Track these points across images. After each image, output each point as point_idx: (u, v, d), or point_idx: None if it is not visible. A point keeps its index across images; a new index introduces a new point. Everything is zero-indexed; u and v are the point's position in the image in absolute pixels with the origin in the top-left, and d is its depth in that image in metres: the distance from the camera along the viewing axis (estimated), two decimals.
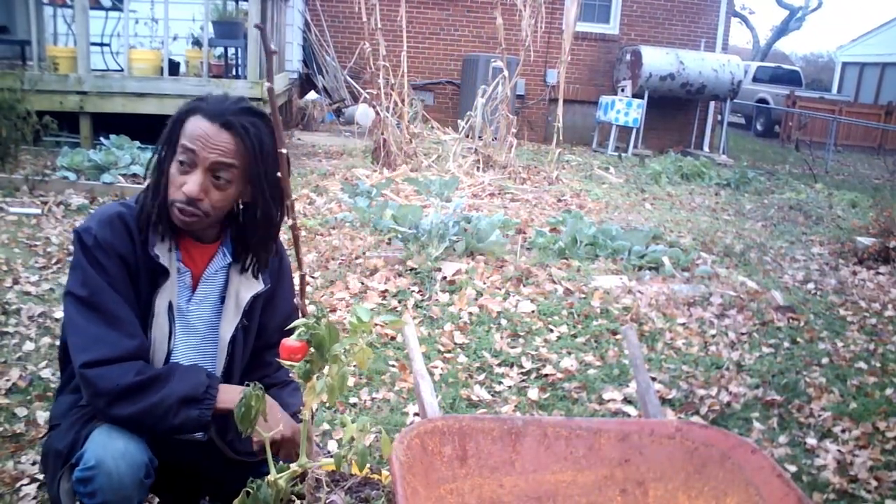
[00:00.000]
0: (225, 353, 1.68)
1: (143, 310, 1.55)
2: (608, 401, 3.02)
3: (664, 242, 5.35)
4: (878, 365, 3.53)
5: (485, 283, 4.12)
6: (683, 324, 3.86)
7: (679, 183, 8.77)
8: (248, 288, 1.66)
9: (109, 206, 1.59)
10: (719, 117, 12.38)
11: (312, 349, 1.39)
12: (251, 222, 1.61)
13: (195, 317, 1.65)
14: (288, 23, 9.23)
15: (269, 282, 1.70)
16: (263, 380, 1.57)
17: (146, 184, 1.57)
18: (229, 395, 1.51)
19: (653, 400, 1.78)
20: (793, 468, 2.60)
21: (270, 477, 1.47)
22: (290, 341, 1.37)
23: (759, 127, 17.62)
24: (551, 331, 3.67)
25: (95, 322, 1.48)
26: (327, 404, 2.53)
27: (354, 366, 1.39)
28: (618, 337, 3.62)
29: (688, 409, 2.98)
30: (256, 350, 1.74)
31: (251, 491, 1.42)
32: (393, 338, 3.40)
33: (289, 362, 1.37)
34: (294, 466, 1.50)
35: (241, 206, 1.62)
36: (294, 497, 1.50)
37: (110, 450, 1.46)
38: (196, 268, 1.64)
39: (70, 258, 4.13)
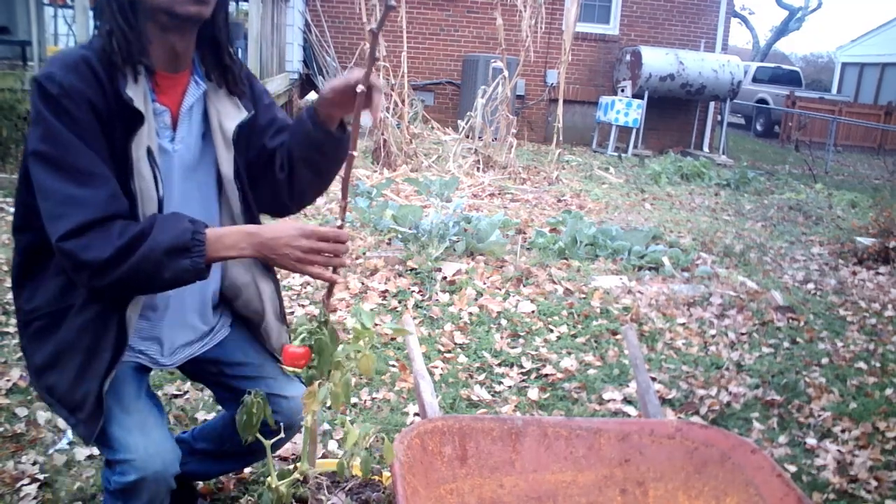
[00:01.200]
0: (237, 192, 1.58)
1: (119, 162, 1.38)
2: (608, 401, 3.02)
3: (664, 242, 5.36)
4: (878, 365, 3.53)
5: (485, 284, 4.13)
6: (683, 324, 3.86)
7: (679, 183, 8.78)
8: (230, 117, 1.54)
9: (70, 50, 1.40)
10: (719, 118, 12.39)
11: (315, 355, 1.39)
12: (223, 24, 1.50)
13: (183, 158, 1.52)
14: (288, 23, 9.23)
15: (250, 108, 1.58)
16: (280, 136, 1.60)
17: (100, 24, 1.39)
18: (222, 242, 1.37)
19: (653, 400, 1.78)
20: (793, 468, 2.60)
21: (271, 482, 1.48)
22: (293, 347, 1.37)
23: (758, 127, 17.62)
24: (551, 331, 3.67)
25: (67, 183, 1.31)
26: (328, 414, 2.55)
27: (356, 372, 1.40)
28: (618, 337, 3.62)
29: (688, 409, 2.98)
30: (256, 151, 1.62)
31: (253, 498, 1.42)
32: (393, 338, 3.40)
33: (291, 368, 1.37)
34: (295, 473, 1.51)
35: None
36: (294, 501, 1.50)
37: (151, 450, 1.43)
38: (173, 104, 1.48)
39: None
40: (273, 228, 1.40)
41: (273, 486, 1.47)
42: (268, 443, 1.56)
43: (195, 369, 1.72)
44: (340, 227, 1.44)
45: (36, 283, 1.46)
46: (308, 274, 1.41)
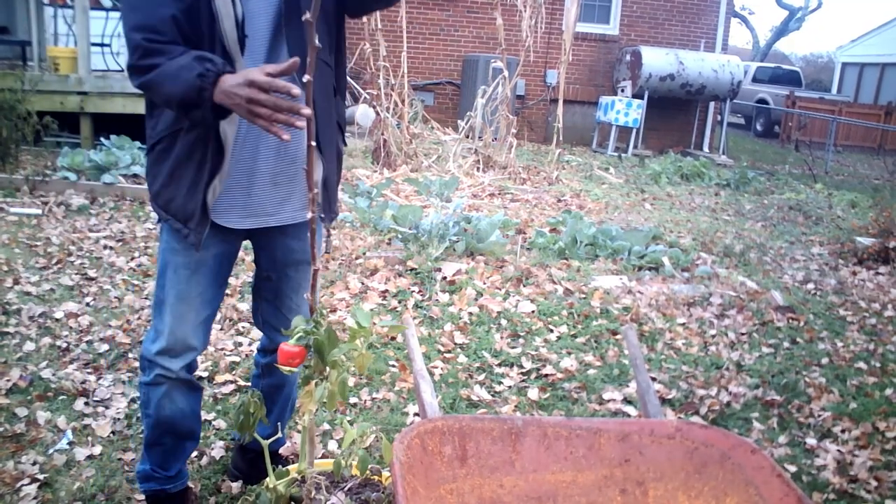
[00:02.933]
0: None
1: None
2: (608, 401, 3.02)
3: (664, 242, 5.36)
4: (878, 365, 3.53)
5: (485, 284, 4.13)
6: (683, 324, 3.86)
7: (679, 183, 8.78)
8: None
9: None
10: (719, 118, 12.39)
11: (312, 354, 1.39)
12: None
13: None
14: None
15: None
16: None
17: None
18: (222, 84, 1.46)
19: (653, 400, 1.78)
20: (793, 468, 2.60)
21: (269, 482, 1.48)
22: (289, 346, 1.37)
23: (758, 127, 17.62)
24: (551, 331, 3.67)
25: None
26: (328, 414, 2.55)
27: (354, 371, 1.40)
28: (618, 337, 3.62)
29: (688, 409, 2.98)
30: None
31: (249, 498, 1.42)
32: (393, 338, 3.40)
33: (287, 368, 1.37)
34: (293, 472, 1.51)
35: None
36: (293, 501, 1.50)
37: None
38: None
39: (70, 258, 4.14)
40: (237, 74, 1.46)
41: (271, 485, 1.47)
42: (265, 442, 1.56)
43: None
44: (310, 220, 1.42)
45: (158, 111, 1.70)
46: (258, 126, 1.46)
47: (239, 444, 2.26)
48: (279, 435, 1.81)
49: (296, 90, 1.39)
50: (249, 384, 2.91)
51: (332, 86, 1.79)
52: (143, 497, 2.17)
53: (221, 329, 3.39)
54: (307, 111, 1.37)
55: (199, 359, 2.21)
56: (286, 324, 1.69)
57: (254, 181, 1.74)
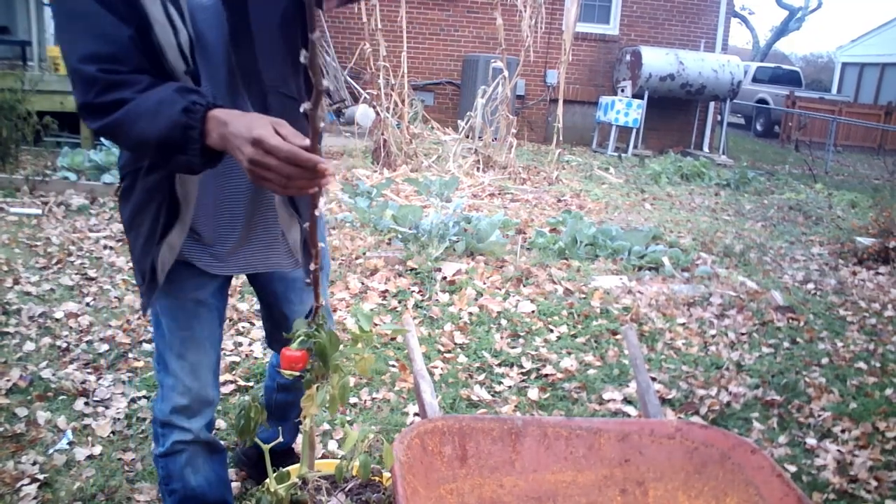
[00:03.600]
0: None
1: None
2: (608, 401, 3.02)
3: (664, 242, 5.36)
4: (878, 365, 3.53)
5: (485, 284, 4.13)
6: (683, 324, 3.86)
7: (679, 183, 8.78)
8: None
9: None
10: (719, 118, 12.39)
11: (314, 358, 1.38)
12: None
13: None
14: None
15: None
16: None
17: None
18: (225, 128, 1.15)
19: (653, 400, 1.78)
20: (793, 468, 2.60)
21: (270, 485, 1.48)
22: (291, 351, 1.36)
23: (758, 127, 17.62)
24: (551, 331, 3.67)
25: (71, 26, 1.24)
26: (328, 414, 2.56)
27: (355, 372, 1.40)
28: (618, 337, 3.62)
29: (688, 409, 2.98)
30: None
31: (251, 502, 1.42)
32: (393, 338, 3.40)
33: (289, 372, 1.36)
34: (294, 476, 1.51)
35: None
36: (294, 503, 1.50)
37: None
38: None
39: (70, 258, 4.14)
40: (242, 120, 1.16)
41: (272, 489, 1.47)
42: (266, 447, 1.56)
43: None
44: (311, 216, 1.25)
45: None
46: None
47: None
48: (280, 439, 1.77)
49: (324, 165, 1.12)
50: (250, 384, 2.91)
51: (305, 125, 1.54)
52: (142, 497, 2.18)
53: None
54: (330, 173, 1.13)
55: None
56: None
57: (225, 231, 1.50)
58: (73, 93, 1.25)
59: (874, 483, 2.53)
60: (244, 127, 1.13)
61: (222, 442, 2.46)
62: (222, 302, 1.63)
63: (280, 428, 1.88)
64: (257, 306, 3.24)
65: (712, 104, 12.17)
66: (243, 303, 3.63)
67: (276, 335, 1.79)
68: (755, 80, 18.51)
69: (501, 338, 3.54)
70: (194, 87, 1.24)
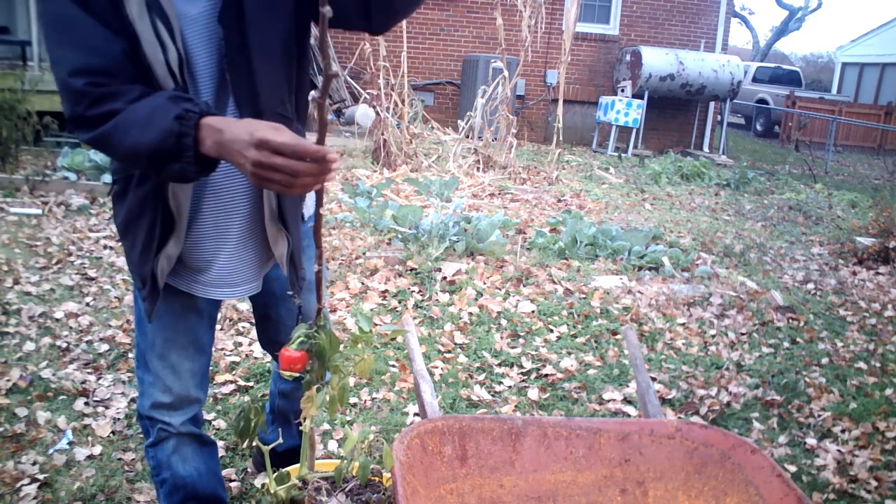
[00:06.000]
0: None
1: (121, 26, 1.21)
2: (608, 401, 3.02)
3: (664, 242, 5.36)
4: (878, 365, 3.53)
5: (485, 284, 4.12)
6: (683, 324, 3.86)
7: (679, 183, 8.78)
8: None
9: None
10: (719, 118, 12.39)
11: (313, 359, 1.38)
12: None
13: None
14: None
15: None
16: None
17: None
18: (220, 135, 1.15)
19: (653, 400, 1.78)
20: (793, 468, 2.60)
21: (270, 486, 1.48)
22: (290, 351, 1.36)
23: (758, 127, 17.62)
24: (551, 331, 3.67)
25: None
26: (327, 416, 2.57)
27: (355, 374, 1.40)
28: (618, 337, 3.62)
29: (688, 409, 2.98)
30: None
31: (251, 503, 1.42)
32: (393, 338, 3.40)
33: (289, 373, 1.36)
34: (294, 477, 1.51)
35: None
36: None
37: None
38: None
39: (70, 258, 4.14)
40: (239, 126, 1.15)
41: (272, 490, 1.47)
42: (266, 448, 1.56)
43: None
44: (316, 216, 1.26)
45: None
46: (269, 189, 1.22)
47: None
48: (279, 441, 1.77)
49: (333, 154, 1.11)
50: (250, 384, 2.91)
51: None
52: (142, 497, 2.18)
53: (221, 329, 3.39)
54: (334, 162, 1.12)
55: None
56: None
57: (219, 249, 1.46)
58: (62, 104, 1.22)
59: (874, 483, 2.53)
60: (244, 131, 1.13)
61: (221, 442, 2.46)
62: (214, 306, 1.61)
63: (281, 430, 1.90)
64: None
65: (712, 104, 12.17)
66: (244, 303, 3.63)
67: (264, 340, 1.84)
68: (755, 80, 18.51)
69: (501, 338, 3.54)
70: (185, 94, 1.23)
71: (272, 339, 1.78)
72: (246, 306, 3.58)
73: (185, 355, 1.55)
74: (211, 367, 2.99)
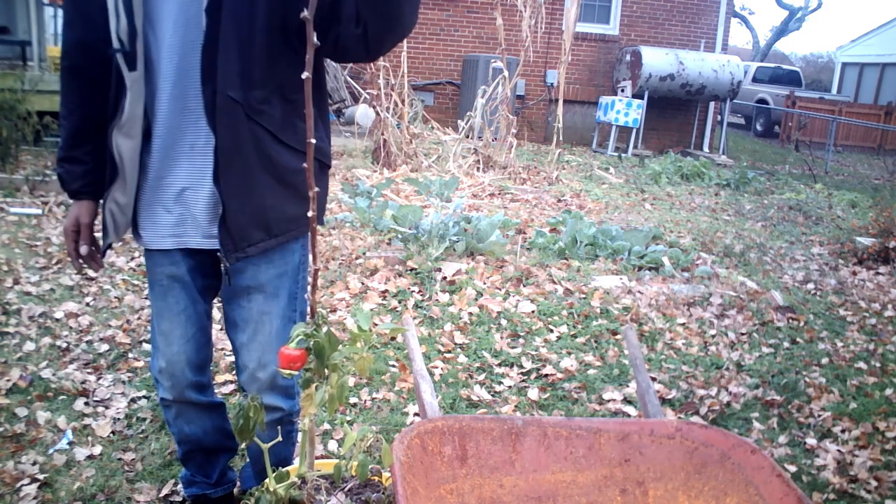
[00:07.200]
0: (202, 26, 1.44)
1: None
2: (608, 401, 3.02)
3: (664, 242, 5.36)
4: (878, 365, 3.53)
5: (485, 284, 4.12)
6: (683, 324, 3.86)
7: (679, 183, 8.78)
8: None
9: None
10: (719, 118, 12.39)
11: (312, 357, 1.38)
12: None
13: None
14: None
15: None
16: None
17: None
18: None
19: (653, 400, 1.78)
20: (793, 468, 2.60)
21: (269, 485, 1.48)
22: (289, 350, 1.36)
23: (758, 127, 17.62)
24: (551, 331, 3.67)
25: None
26: (326, 415, 2.57)
27: (354, 372, 1.40)
28: (618, 337, 3.62)
29: (688, 409, 2.98)
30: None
31: (249, 502, 1.42)
32: (393, 338, 3.40)
33: (288, 371, 1.36)
34: (293, 476, 1.51)
35: None
36: (293, 503, 1.50)
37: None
38: None
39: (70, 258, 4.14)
40: (73, 209, 1.69)
41: (271, 489, 1.46)
42: (265, 446, 1.56)
43: None
44: (310, 218, 1.32)
45: None
46: None
47: None
48: (279, 439, 1.77)
49: (91, 273, 1.54)
50: None
51: (265, 129, 1.52)
52: (142, 497, 2.18)
53: (221, 329, 3.39)
54: (93, 273, 1.49)
55: None
56: (242, 361, 1.72)
57: (161, 197, 1.60)
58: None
59: (874, 483, 2.53)
60: (71, 214, 1.68)
61: None
62: (202, 280, 1.70)
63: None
64: None
65: (712, 104, 12.17)
66: None
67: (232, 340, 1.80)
68: (755, 80, 18.51)
69: (501, 338, 3.54)
70: (79, 156, 1.64)
71: (230, 337, 1.78)
72: None
73: (177, 322, 1.69)
74: (211, 367, 3.00)
